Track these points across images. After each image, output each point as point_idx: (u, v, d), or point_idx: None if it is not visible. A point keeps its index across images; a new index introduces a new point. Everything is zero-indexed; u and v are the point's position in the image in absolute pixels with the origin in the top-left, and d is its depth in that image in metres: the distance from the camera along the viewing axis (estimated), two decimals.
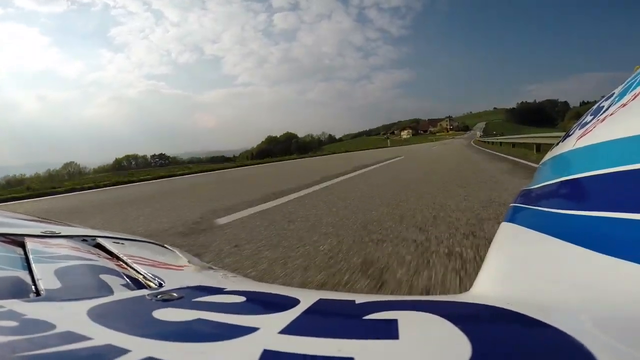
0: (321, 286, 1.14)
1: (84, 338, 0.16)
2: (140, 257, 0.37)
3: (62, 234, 0.42)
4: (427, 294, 1.04)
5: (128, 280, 0.29)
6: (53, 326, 0.17)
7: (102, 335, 0.16)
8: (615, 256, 0.19)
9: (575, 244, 0.22)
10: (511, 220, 0.34)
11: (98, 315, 0.19)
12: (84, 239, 0.43)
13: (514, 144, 11.44)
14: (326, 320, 0.20)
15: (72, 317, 0.19)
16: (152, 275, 0.30)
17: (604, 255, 0.20)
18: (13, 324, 0.17)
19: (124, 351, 0.14)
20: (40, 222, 0.53)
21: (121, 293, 0.25)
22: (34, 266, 0.29)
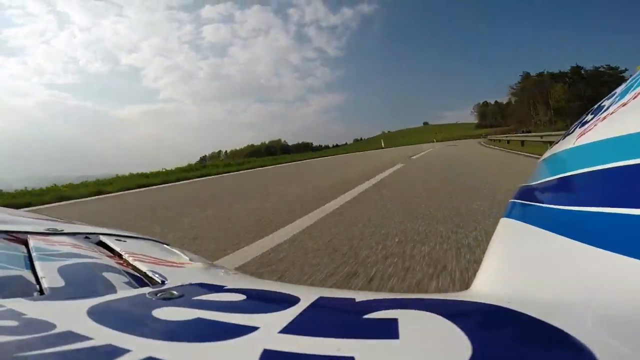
0: None
1: (84, 338, 0.16)
2: (142, 255, 0.37)
3: (65, 231, 0.43)
4: None
5: (130, 278, 0.29)
6: (54, 326, 0.17)
7: (103, 335, 0.16)
8: (616, 252, 0.19)
9: (576, 240, 0.22)
10: (510, 216, 0.34)
11: (99, 315, 0.19)
12: (86, 236, 0.43)
13: None
14: (326, 319, 0.20)
15: (74, 316, 0.19)
16: (154, 272, 0.30)
17: (605, 252, 0.19)
18: (15, 323, 0.17)
19: (125, 351, 0.14)
20: (43, 219, 0.53)
21: (124, 291, 0.25)
22: (37, 264, 0.29)
